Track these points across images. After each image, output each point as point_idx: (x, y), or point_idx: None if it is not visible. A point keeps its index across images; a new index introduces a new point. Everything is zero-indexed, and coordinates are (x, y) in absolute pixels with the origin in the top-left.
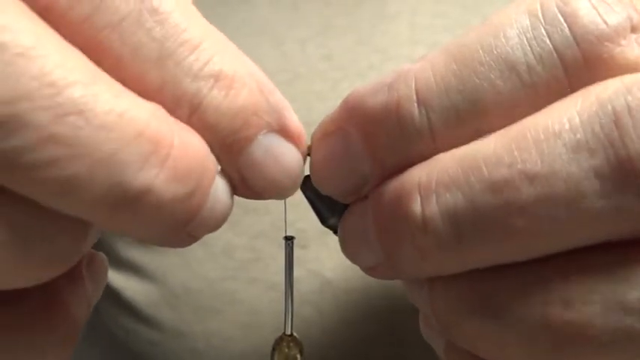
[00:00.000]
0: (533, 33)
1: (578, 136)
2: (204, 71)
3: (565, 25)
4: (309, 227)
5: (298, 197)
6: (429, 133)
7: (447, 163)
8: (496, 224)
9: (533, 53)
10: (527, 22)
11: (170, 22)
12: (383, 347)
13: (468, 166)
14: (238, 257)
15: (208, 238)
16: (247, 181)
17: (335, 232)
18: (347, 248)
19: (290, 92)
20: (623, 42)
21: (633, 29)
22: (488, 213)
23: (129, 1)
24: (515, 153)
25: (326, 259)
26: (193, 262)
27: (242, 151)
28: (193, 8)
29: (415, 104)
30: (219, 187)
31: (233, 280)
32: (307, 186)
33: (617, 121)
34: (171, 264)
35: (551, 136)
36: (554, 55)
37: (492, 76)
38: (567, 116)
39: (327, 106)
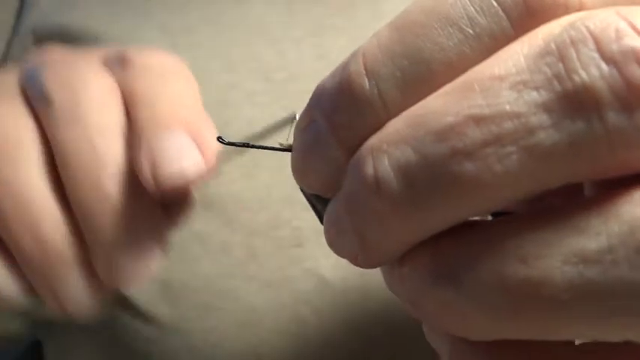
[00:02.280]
0: None
1: (524, 77)
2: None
3: None
4: (305, 226)
5: (295, 195)
6: (381, 103)
7: (397, 124)
8: (446, 174)
9: (473, 6)
10: None
11: None
12: (381, 347)
13: (415, 121)
14: (235, 254)
15: (205, 234)
16: (154, 170)
17: None
18: (330, 241)
19: (285, 91)
20: None
21: None
22: (439, 163)
23: None
24: (462, 100)
25: (322, 258)
26: (191, 258)
27: (163, 132)
28: None
29: (365, 77)
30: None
31: (230, 277)
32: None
33: (561, 56)
34: (169, 261)
35: (497, 80)
36: (495, 4)
37: (434, 34)
38: (512, 60)
39: None
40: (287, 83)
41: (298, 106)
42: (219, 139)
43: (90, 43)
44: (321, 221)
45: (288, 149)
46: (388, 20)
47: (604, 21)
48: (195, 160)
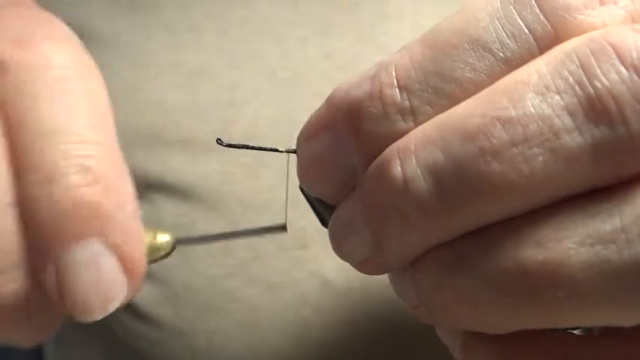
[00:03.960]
0: (503, 13)
1: (547, 82)
2: (75, 158)
3: (533, 2)
4: (309, 227)
5: (298, 196)
6: (410, 114)
7: (425, 128)
8: (474, 174)
9: (504, 32)
10: (498, 4)
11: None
12: (384, 348)
13: (443, 125)
14: (238, 255)
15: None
16: (61, 288)
17: None
18: (338, 244)
19: (290, 91)
20: (592, 13)
21: (602, 2)
22: (467, 162)
23: None
24: (487, 104)
25: (326, 259)
26: (194, 259)
27: (65, 247)
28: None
29: (396, 89)
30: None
31: (233, 278)
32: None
33: (582, 65)
34: (172, 262)
35: (521, 84)
36: (526, 31)
37: (466, 56)
38: (535, 69)
39: None
40: (292, 82)
41: (304, 105)
42: (218, 140)
43: (93, 41)
44: (323, 223)
45: (287, 151)
46: (393, 20)
47: (622, 34)
48: (117, 286)
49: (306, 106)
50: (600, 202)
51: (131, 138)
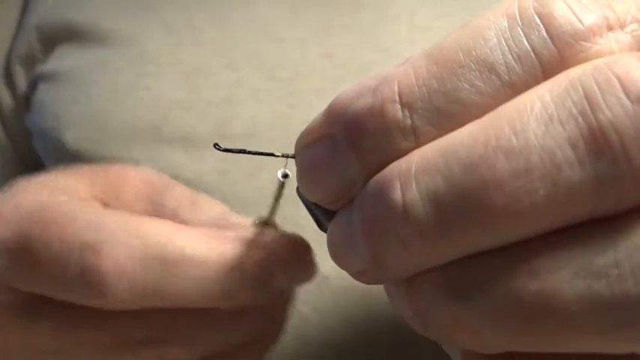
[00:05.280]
0: (510, 34)
1: (550, 111)
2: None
3: (541, 25)
4: (308, 224)
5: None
6: (412, 133)
7: (426, 152)
8: (475, 204)
9: (511, 54)
10: (505, 24)
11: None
12: (383, 347)
13: (445, 150)
14: None
15: None
16: None
17: None
18: (335, 254)
19: (290, 90)
20: (599, 40)
21: (609, 28)
22: (467, 193)
23: None
24: (490, 132)
25: (324, 257)
26: None
27: None
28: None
29: (398, 106)
30: None
31: None
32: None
33: (586, 95)
34: None
35: (524, 113)
36: (532, 55)
37: (472, 76)
38: (538, 96)
39: (327, 103)
40: (291, 81)
41: (303, 103)
42: (216, 145)
43: (95, 40)
44: (319, 226)
45: (284, 156)
46: (391, 21)
47: (628, 64)
48: None
49: (305, 104)
50: (595, 235)
51: (131, 134)
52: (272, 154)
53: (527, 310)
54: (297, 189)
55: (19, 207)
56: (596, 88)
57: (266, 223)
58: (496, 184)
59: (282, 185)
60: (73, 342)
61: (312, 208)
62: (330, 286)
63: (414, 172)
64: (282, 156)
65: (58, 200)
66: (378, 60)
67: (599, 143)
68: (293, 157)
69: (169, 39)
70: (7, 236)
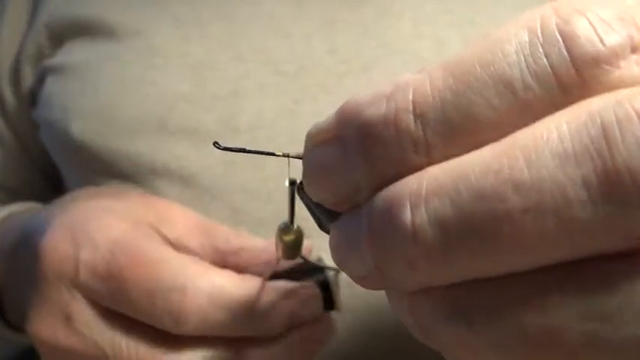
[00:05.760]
0: (530, 50)
1: (566, 145)
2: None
3: (562, 44)
4: (311, 218)
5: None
6: (424, 146)
7: (438, 173)
8: (483, 233)
9: (529, 71)
10: (526, 39)
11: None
12: (387, 339)
13: (457, 175)
14: None
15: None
16: None
17: None
18: (338, 256)
19: (294, 84)
20: (621, 63)
21: (633, 49)
22: (476, 221)
23: None
24: (503, 161)
25: (328, 250)
26: None
27: None
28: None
29: (412, 116)
30: None
31: None
32: (305, 191)
33: (605, 132)
34: None
35: (539, 145)
36: (551, 74)
37: (488, 92)
38: (556, 127)
39: (331, 98)
40: (296, 76)
41: (308, 97)
42: (215, 144)
43: (103, 34)
44: (319, 225)
45: (284, 155)
46: (395, 16)
47: None
48: None
49: (310, 99)
50: (604, 277)
51: (138, 126)
52: (272, 154)
53: (531, 343)
54: (298, 189)
55: (106, 233)
56: (615, 125)
57: (289, 227)
58: (505, 216)
59: (292, 191)
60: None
61: (313, 207)
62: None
63: (425, 194)
64: (283, 155)
65: (139, 235)
66: (382, 56)
67: (612, 185)
68: (294, 156)
69: (177, 32)
70: (100, 264)
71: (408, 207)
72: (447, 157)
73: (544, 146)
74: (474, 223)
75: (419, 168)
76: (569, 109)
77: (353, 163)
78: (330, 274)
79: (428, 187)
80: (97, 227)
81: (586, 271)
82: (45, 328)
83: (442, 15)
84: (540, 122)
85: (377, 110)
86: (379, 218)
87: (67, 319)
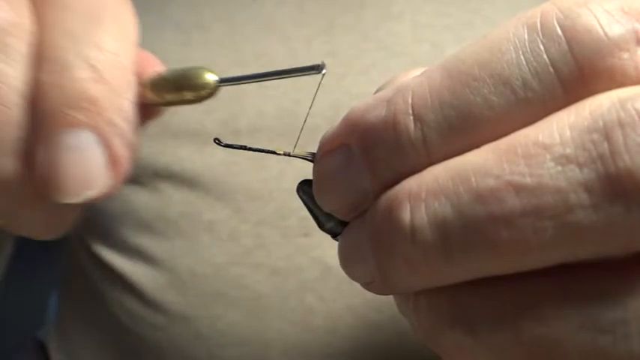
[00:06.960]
0: (529, 47)
1: (568, 150)
2: (88, 58)
3: (563, 38)
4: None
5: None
6: (423, 147)
7: (438, 173)
8: (482, 235)
9: (528, 68)
10: (525, 36)
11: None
12: (386, 334)
13: (457, 176)
14: (243, 243)
15: (215, 223)
16: (44, 165)
17: (333, 237)
18: (345, 263)
19: (295, 85)
20: (625, 55)
21: (638, 42)
22: (475, 223)
23: None
24: (504, 164)
25: (329, 247)
26: (199, 247)
27: (58, 129)
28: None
29: (411, 118)
30: None
31: (238, 265)
32: (304, 191)
33: (608, 136)
34: (178, 249)
35: (541, 149)
36: (551, 69)
37: (486, 91)
38: (558, 130)
39: (331, 99)
40: (296, 78)
41: (308, 99)
42: (216, 140)
43: None
44: (319, 225)
45: (285, 154)
46: (395, 19)
47: None
48: (97, 177)
49: (310, 100)
50: (607, 290)
51: (140, 129)
52: (273, 152)
53: (529, 352)
54: (297, 190)
55: None
56: (618, 130)
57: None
58: (504, 219)
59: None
60: None
61: (312, 207)
62: (334, 275)
63: (425, 195)
64: (284, 154)
65: None
66: (381, 58)
67: (615, 189)
68: (294, 156)
69: (178, 37)
70: None
71: (408, 208)
72: (447, 158)
73: (546, 151)
74: (472, 226)
75: (420, 169)
76: (570, 109)
77: (358, 169)
78: None
79: (428, 188)
80: None
81: (586, 283)
82: None
83: (440, 18)
84: (541, 123)
85: (378, 114)
86: (380, 219)
87: None
